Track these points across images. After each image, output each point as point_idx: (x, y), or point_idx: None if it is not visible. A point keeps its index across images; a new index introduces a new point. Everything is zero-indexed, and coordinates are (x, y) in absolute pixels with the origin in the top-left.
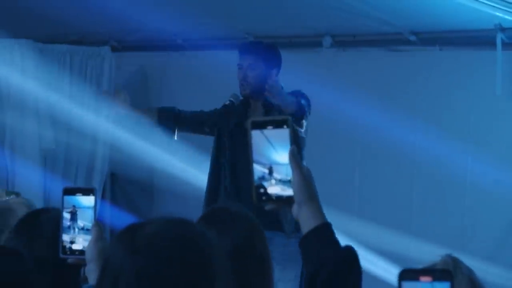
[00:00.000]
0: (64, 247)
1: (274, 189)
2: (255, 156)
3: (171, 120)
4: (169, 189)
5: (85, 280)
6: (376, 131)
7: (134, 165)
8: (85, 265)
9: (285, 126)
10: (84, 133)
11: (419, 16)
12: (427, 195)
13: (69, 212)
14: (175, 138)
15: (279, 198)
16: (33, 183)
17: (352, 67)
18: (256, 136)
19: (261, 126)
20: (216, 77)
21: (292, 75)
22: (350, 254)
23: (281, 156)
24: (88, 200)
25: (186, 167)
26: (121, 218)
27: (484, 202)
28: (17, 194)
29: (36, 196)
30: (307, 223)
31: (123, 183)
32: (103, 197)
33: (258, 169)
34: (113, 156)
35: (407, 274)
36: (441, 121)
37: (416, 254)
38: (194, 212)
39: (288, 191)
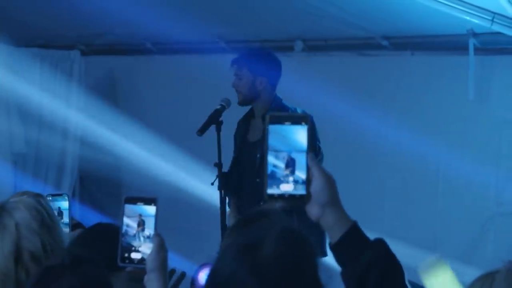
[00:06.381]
0: (123, 255)
1: (286, 187)
2: (270, 152)
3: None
4: (138, 187)
5: None
6: (348, 135)
7: (102, 163)
8: (144, 274)
9: (303, 123)
10: (54, 133)
11: (391, 21)
12: (399, 196)
13: (135, 221)
14: None
15: (292, 197)
16: (3, 183)
17: (324, 71)
18: (273, 130)
19: (279, 121)
20: (185, 81)
21: None
22: (385, 247)
23: (297, 153)
24: (150, 210)
25: (158, 164)
26: (89, 217)
27: (456, 203)
28: (33, 195)
29: (6, 196)
30: (334, 225)
31: (90, 182)
32: (73, 196)
33: (271, 165)
34: (83, 154)
35: None
36: (414, 125)
37: None
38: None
39: (301, 190)
